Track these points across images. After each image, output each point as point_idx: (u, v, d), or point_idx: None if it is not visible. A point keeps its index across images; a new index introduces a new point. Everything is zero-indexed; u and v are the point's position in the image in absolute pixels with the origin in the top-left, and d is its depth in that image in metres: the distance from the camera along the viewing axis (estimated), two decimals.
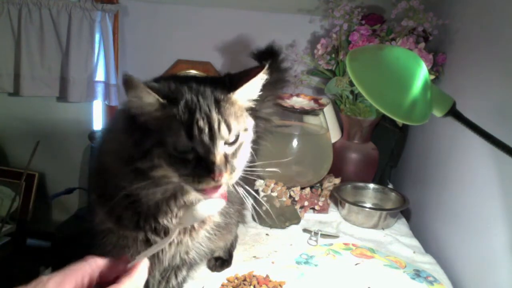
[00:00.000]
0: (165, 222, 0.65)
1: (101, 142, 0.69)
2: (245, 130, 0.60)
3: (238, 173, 0.58)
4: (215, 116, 0.55)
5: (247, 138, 0.61)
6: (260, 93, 0.65)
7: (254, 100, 0.64)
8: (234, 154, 0.58)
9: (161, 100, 0.54)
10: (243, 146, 0.59)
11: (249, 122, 0.63)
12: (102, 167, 0.65)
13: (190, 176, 0.54)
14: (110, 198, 0.62)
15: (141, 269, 0.47)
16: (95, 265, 0.45)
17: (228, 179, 0.55)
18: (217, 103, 0.56)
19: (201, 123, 0.54)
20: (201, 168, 0.53)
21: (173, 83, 0.58)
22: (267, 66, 0.61)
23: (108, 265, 0.46)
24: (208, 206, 0.56)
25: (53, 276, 0.42)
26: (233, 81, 0.60)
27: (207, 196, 0.56)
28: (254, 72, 0.60)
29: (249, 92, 0.62)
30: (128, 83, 0.52)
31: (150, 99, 0.54)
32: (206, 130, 0.54)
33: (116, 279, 0.45)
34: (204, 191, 0.55)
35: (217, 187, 0.55)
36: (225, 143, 0.56)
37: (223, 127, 0.55)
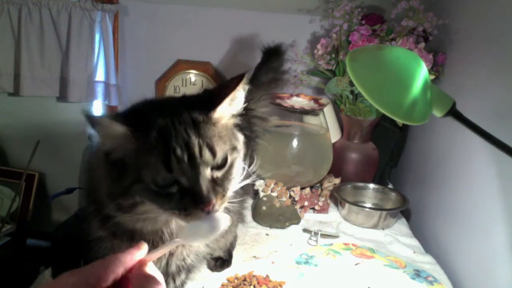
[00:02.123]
0: (156, 239, 0.63)
1: (91, 163, 0.65)
2: (233, 148, 0.55)
3: (230, 195, 0.54)
4: (194, 140, 0.50)
5: (237, 156, 0.56)
6: (256, 92, 0.60)
7: (245, 107, 0.59)
8: (225, 176, 0.53)
9: (130, 130, 0.49)
10: (234, 165, 0.55)
11: (238, 138, 0.58)
12: (94, 188, 0.63)
13: (177, 209, 0.50)
14: (105, 216, 0.60)
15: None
16: (123, 261, 0.44)
17: (220, 205, 0.51)
18: (196, 126, 0.51)
19: (178, 151, 0.49)
20: (188, 200, 0.49)
21: (144, 109, 0.53)
22: (245, 76, 0.56)
23: (128, 260, 0.45)
24: (216, 224, 0.50)
25: (98, 265, 0.42)
26: (212, 98, 0.55)
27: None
28: (233, 85, 0.55)
29: (232, 107, 0.57)
30: (90, 121, 0.47)
31: (119, 131, 0.48)
32: (186, 158, 0.49)
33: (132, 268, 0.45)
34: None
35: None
36: (212, 168, 0.51)
37: (206, 151, 0.50)
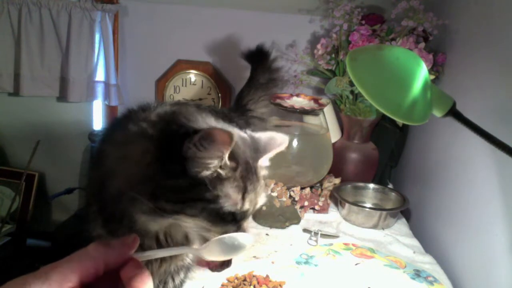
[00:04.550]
0: (151, 244, 0.63)
1: (105, 159, 0.61)
2: None
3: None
4: (259, 189, 0.57)
5: None
6: (255, 93, 0.62)
7: (244, 108, 0.65)
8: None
9: (229, 163, 0.52)
10: None
11: None
12: (106, 184, 0.60)
13: (219, 229, 0.54)
14: (111, 216, 0.60)
15: (149, 283, 0.43)
16: (98, 255, 0.42)
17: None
18: (255, 171, 0.57)
19: (252, 196, 0.55)
20: (231, 229, 0.55)
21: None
22: (287, 140, 0.62)
23: (112, 253, 0.43)
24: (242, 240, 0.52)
25: (56, 267, 0.40)
26: (259, 147, 0.60)
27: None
28: (278, 144, 0.61)
29: (266, 161, 0.62)
30: (224, 138, 0.49)
31: (224, 157, 0.52)
32: (253, 203, 0.56)
33: (123, 265, 0.43)
34: None
35: None
36: None
37: (260, 200, 0.58)
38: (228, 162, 0.52)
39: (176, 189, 0.52)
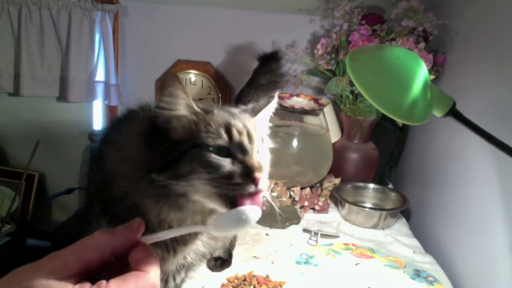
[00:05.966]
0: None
1: (107, 160, 0.63)
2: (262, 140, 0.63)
3: (267, 184, 0.57)
4: (249, 123, 0.58)
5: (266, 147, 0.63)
6: (255, 94, 0.63)
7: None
8: (262, 161, 0.60)
9: (196, 108, 0.56)
10: (266, 154, 0.62)
11: (266, 133, 0.65)
12: (110, 185, 0.61)
13: (226, 179, 0.52)
14: (118, 214, 0.60)
15: (155, 266, 0.44)
16: (103, 242, 0.42)
17: (263, 185, 0.54)
18: (243, 117, 0.60)
19: (239, 125, 0.56)
20: (240, 171, 0.53)
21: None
22: (277, 95, 0.66)
23: (118, 238, 0.43)
24: (247, 213, 0.50)
25: (59, 255, 0.40)
26: (249, 109, 0.64)
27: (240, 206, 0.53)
28: (267, 102, 0.65)
29: (264, 121, 0.65)
30: (172, 80, 0.53)
31: (186, 101, 0.55)
32: (245, 132, 0.56)
33: (131, 249, 0.43)
34: (239, 199, 0.52)
35: (254, 195, 0.53)
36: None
37: (257, 134, 0.58)
38: (198, 109, 0.56)
39: (164, 154, 0.55)
